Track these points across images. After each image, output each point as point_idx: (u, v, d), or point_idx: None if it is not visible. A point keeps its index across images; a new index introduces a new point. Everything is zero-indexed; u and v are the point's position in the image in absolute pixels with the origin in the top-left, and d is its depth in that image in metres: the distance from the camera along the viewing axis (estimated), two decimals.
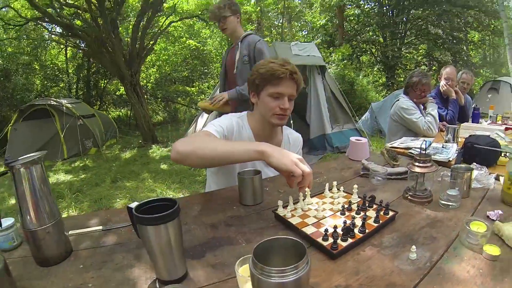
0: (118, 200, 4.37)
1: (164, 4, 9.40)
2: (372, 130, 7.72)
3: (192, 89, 13.86)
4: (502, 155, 1.82)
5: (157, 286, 0.82)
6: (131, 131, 10.04)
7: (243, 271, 0.75)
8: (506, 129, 3.27)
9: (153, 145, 7.77)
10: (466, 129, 2.99)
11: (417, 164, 1.24)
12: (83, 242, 1.04)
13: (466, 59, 15.47)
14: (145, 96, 10.42)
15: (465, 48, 15.83)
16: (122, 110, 13.94)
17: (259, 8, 15.89)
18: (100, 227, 1.12)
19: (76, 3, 8.64)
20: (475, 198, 1.33)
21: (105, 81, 13.38)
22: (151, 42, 8.66)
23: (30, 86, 11.34)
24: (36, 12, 7.92)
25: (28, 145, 6.43)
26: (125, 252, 0.97)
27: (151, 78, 13.82)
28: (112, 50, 7.48)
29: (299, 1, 18.03)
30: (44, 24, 9.84)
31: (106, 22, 7.25)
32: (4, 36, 10.84)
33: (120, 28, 9.06)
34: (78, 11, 8.31)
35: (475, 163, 1.61)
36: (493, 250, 0.89)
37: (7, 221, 1.01)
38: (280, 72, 1.42)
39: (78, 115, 7.17)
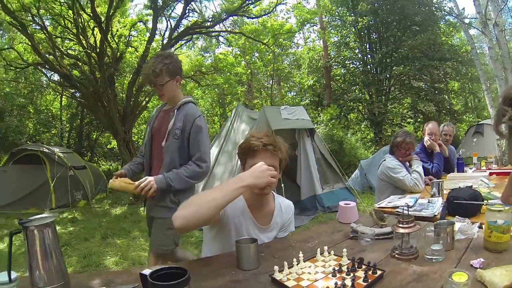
0: (108, 257, 4.26)
1: None
2: (362, 187, 7.78)
3: None
4: (484, 203, 1.91)
5: None
6: None
7: None
8: (490, 174, 3.42)
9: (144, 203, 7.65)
10: (452, 179, 3.12)
11: (400, 225, 1.32)
12: None
13: (449, 107, 16.22)
14: (136, 153, 10.49)
15: (446, 97, 16.62)
16: (112, 164, 13.91)
17: (249, 70, 16.63)
18: None
19: (76, 55, 8.99)
20: (459, 249, 1.40)
21: (98, 133, 13.51)
22: (145, 100, 8.91)
23: (23, 129, 11.41)
24: (37, 57, 8.19)
25: (15, 189, 6.37)
26: None
27: (143, 135, 14.00)
28: (108, 105, 7.69)
29: (288, 63, 18.92)
30: (44, 70, 10.13)
31: (104, 77, 7.52)
32: (4, 76, 11.06)
33: (116, 84, 9.39)
34: (78, 62, 8.63)
35: (457, 216, 1.70)
36: None
37: (11, 275, 1.02)
38: (254, 145, 1.53)
39: (70, 165, 7.13)
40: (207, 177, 5.93)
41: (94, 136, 13.71)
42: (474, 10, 9.16)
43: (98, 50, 7.77)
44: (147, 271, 0.91)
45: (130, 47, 10.51)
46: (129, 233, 5.35)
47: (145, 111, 12.36)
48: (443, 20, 15.87)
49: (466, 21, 10.39)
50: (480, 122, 12.49)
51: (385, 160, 3.27)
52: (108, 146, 13.83)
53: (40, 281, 0.94)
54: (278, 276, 1.18)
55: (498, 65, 8.57)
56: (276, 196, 1.81)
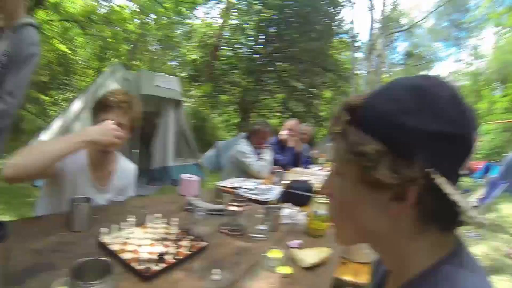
0: None
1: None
2: (214, 166, 8.12)
3: (46, 98, 12.26)
4: (312, 195, 2.24)
5: None
6: None
7: None
8: None
9: None
10: (296, 174, 3.53)
11: (231, 203, 1.48)
12: None
13: (316, 112, 18.11)
14: None
15: (318, 102, 18.55)
16: None
17: (141, 30, 15.49)
18: None
19: None
20: (283, 231, 1.63)
21: None
22: None
23: None
24: None
25: None
26: None
27: None
28: None
29: (181, 32, 18.30)
30: None
31: None
32: None
33: None
34: None
35: (290, 203, 1.98)
36: (286, 270, 1.16)
37: None
38: (110, 101, 1.53)
39: None
40: (64, 131, 5.38)
41: None
42: (367, 37, 10.50)
43: None
44: None
45: None
46: None
47: None
48: (339, 35, 17.55)
49: (357, 44, 11.83)
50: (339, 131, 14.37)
51: (239, 144, 3.45)
52: None
53: None
54: (105, 239, 1.19)
55: (368, 89, 9.95)
56: (121, 157, 1.80)
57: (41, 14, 9.43)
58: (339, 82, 17.50)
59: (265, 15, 15.00)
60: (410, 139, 0.48)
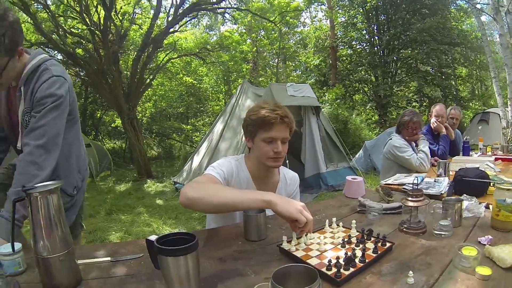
0: (113, 232, 4.33)
1: (164, 41, 9.73)
2: (366, 167, 7.79)
3: (187, 126, 14.01)
4: (491, 185, 1.90)
5: None
6: (126, 164, 10.05)
7: None
8: (496, 159, 3.38)
9: (148, 180, 7.75)
10: (457, 162, 3.10)
11: (410, 198, 1.32)
12: (92, 272, 1.05)
13: (456, 93, 16.01)
14: (142, 131, 10.52)
15: (453, 83, 16.39)
16: (116, 142, 13.99)
17: (255, 48, 16.42)
18: (109, 258, 1.14)
19: (80, 33, 8.89)
20: (466, 226, 1.40)
21: (102, 111, 13.51)
22: (150, 77, 8.87)
23: None
24: (40, 37, 8.10)
25: None
26: (137, 283, 0.99)
27: (147, 112, 14.02)
28: (112, 83, 7.66)
29: (294, 42, 18.65)
30: (47, 49, 10.06)
31: (108, 55, 7.46)
32: None
33: (120, 61, 9.33)
34: (81, 40, 8.55)
35: (465, 195, 1.70)
36: (484, 270, 0.96)
37: (15, 246, 1.02)
38: (271, 117, 1.47)
39: None
40: (212, 151, 5.93)
41: (99, 115, 13.69)
42: None
43: (102, 27, 7.68)
44: (153, 237, 0.90)
45: (134, 25, 10.39)
46: (133, 209, 5.43)
47: (149, 89, 12.40)
48: (454, 4, 15.49)
49: (478, 6, 10.15)
50: (486, 110, 12.40)
51: (391, 139, 3.24)
52: (112, 125, 13.82)
53: (44, 250, 0.91)
54: (286, 246, 1.19)
55: (508, 53, 8.38)
56: (282, 167, 1.76)
57: (161, 56, 10.83)
58: (471, 55, 15.19)
59: (369, 4, 14.13)
60: None
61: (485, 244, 1.18)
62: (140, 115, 13.38)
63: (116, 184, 7.51)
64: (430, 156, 3.10)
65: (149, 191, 6.88)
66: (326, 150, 6.58)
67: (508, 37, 8.40)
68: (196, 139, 12.66)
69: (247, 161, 1.66)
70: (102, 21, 7.75)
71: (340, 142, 6.92)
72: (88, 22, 7.78)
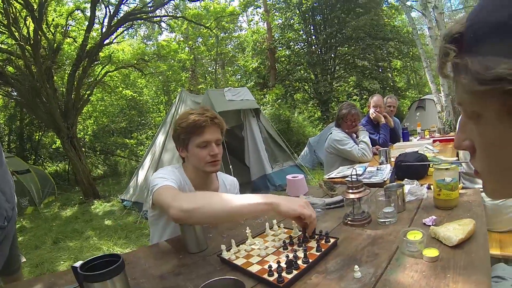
0: (62, 262, 4.03)
1: (100, 54, 9.27)
2: (312, 163, 7.97)
3: (131, 140, 13.49)
4: (431, 166, 1.98)
5: None
6: (71, 187, 9.44)
7: None
8: (434, 141, 3.61)
9: (95, 201, 7.33)
10: (399, 148, 3.24)
11: (350, 191, 1.31)
12: None
13: (393, 84, 17.03)
14: (83, 149, 9.97)
15: (390, 75, 17.45)
16: (59, 164, 13.10)
17: (192, 56, 16.31)
18: None
19: (9, 49, 8.18)
20: (411, 210, 1.43)
21: (40, 133, 12.57)
22: (87, 93, 8.41)
23: None
24: None
25: None
26: None
27: (89, 130, 13.30)
28: (47, 101, 7.13)
29: (232, 47, 18.75)
30: None
31: (40, 71, 6.94)
32: None
33: (55, 77, 8.73)
34: (11, 57, 7.87)
35: (406, 179, 1.74)
36: (432, 252, 0.97)
37: None
38: (201, 121, 1.48)
39: (11, 170, 6.59)
40: (156, 164, 5.74)
41: (37, 137, 12.71)
42: None
43: (32, 41, 7.12)
44: (79, 263, 0.83)
45: (68, 38, 9.79)
46: (82, 234, 5.12)
47: (89, 105, 11.74)
48: (386, 2, 16.54)
49: (408, 3, 10.91)
50: (422, 98, 13.32)
51: (331, 133, 3.29)
52: (53, 146, 12.88)
53: None
54: (226, 255, 1.14)
55: (437, 44, 9.03)
56: (219, 173, 1.76)
57: (98, 69, 10.42)
58: (404, 48, 16.29)
59: (305, 5, 14.64)
60: None
61: (430, 225, 1.20)
62: (82, 133, 12.66)
63: (61, 210, 7.00)
64: (371, 146, 3.20)
65: (97, 212, 6.50)
66: (270, 151, 6.62)
67: (436, 30, 9.07)
68: (140, 153, 12.26)
69: (185, 170, 1.63)
70: (32, 35, 7.19)
71: (283, 141, 6.99)
72: (17, 36, 7.17)
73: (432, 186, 1.49)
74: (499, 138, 0.43)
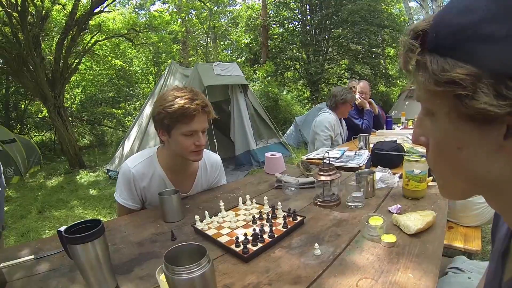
0: (47, 231, 4.09)
1: (90, 22, 9.03)
2: (297, 143, 8.03)
3: (119, 110, 13.29)
4: (404, 154, 2.07)
5: None
6: (56, 157, 9.37)
7: (163, 278, 0.81)
8: None
9: (81, 171, 7.31)
10: (380, 135, 3.32)
11: (321, 173, 1.38)
12: (17, 273, 1.04)
13: (384, 71, 17.02)
14: (70, 119, 9.85)
15: (382, 62, 17.40)
16: (45, 133, 12.86)
17: (184, 28, 16.00)
18: (32, 256, 1.12)
19: None
20: (379, 196, 1.51)
21: (26, 102, 12.30)
22: (75, 62, 8.23)
23: None
24: None
25: None
26: (60, 277, 0.99)
27: (76, 99, 13.02)
28: (34, 69, 6.98)
29: (225, 21, 18.45)
30: None
31: (28, 39, 6.77)
32: None
33: (42, 46, 8.51)
34: None
35: (379, 166, 1.83)
36: (389, 238, 1.05)
37: None
38: (191, 109, 1.35)
39: None
40: (142, 135, 5.76)
41: (23, 106, 12.41)
42: None
43: (19, 8, 6.90)
44: (63, 228, 0.90)
45: (57, 4, 9.48)
46: (67, 203, 5.16)
47: (77, 74, 11.50)
48: None
49: None
50: (412, 87, 13.35)
51: (324, 114, 3.28)
52: (39, 116, 12.64)
53: None
54: (199, 225, 1.21)
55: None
56: (204, 150, 1.61)
57: (87, 38, 10.19)
58: (399, 36, 16.11)
59: None
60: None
61: (394, 213, 1.28)
62: (69, 102, 12.40)
63: (47, 179, 6.98)
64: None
65: (82, 182, 6.51)
66: (255, 127, 6.65)
67: None
68: (128, 123, 12.11)
69: (160, 154, 1.56)
70: (19, 1, 6.96)
71: (269, 118, 7.01)
72: (4, 3, 6.93)
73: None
74: (449, 138, 0.45)
